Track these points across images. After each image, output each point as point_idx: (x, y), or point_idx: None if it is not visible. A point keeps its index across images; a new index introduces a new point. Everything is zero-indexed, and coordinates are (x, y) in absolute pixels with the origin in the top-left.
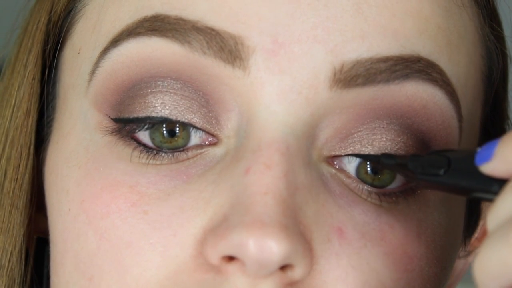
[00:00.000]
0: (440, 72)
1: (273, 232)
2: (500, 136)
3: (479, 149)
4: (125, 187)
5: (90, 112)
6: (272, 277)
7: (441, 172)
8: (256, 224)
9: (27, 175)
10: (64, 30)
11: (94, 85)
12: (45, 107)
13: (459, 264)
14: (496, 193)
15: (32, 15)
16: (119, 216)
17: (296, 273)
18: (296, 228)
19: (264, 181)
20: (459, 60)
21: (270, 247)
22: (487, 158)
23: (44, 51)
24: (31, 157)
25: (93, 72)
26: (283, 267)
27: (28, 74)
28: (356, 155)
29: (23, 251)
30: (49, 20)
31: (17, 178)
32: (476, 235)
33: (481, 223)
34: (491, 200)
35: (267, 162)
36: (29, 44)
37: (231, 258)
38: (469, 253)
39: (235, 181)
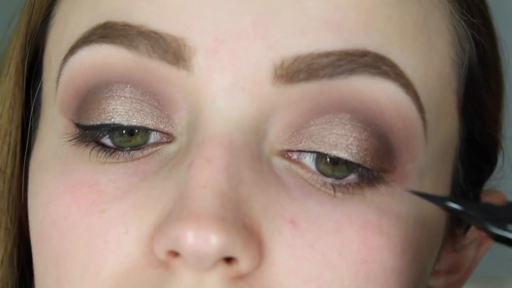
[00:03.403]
0: (391, 65)
1: (208, 225)
2: (479, 129)
3: None
4: (85, 187)
5: (58, 118)
6: (217, 269)
7: None
8: (191, 217)
9: (14, 182)
10: (42, 39)
11: (59, 92)
12: (32, 115)
13: (463, 259)
14: None
15: (17, 25)
16: (79, 216)
17: (241, 266)
18: (238, 220)
19: (203, 174)
20: (415, 49)
21: (205, 239)
22: None
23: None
24: (17, 163)
25: (57, 79)
26: (229, 260)
27: (9, 83)
28: (417, 194)
29: (14, 255)
30: (27, 30)
31: (3, 184)
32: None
33: None
34: None
35: (208, 155)
36: (11, 53)
37: (176, 253)
38: (463, 246)
39: (180, 176)
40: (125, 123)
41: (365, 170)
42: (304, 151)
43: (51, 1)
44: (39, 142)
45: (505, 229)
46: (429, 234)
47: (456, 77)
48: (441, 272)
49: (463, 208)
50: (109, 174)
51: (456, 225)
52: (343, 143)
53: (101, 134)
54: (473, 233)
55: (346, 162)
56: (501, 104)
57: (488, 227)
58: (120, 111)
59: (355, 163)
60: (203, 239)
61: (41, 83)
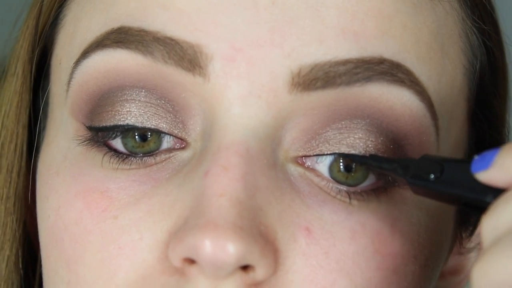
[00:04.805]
0: (407, 72)
1: (226, 234)
2: (487, 134)
3: (476, 157)
4: (96, 193)
5: (69, 121)
6: (233, 277)
7: (432, 177)
8: (210, 226)
9: (21, 182)
10: (50, 40)
11: (70, 95)
12: (40, 115)
13: (467, 260)
14: (489, 203)
15: (23, 24)
16: (91, 221)
17: (258, 273)
18: (254, 229)
19: (221, 183)
20: (430, 57)
21: (223, 248)
22: (485, 166)
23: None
24: (23, 164)
25: (68, 82)
26: (246, 268)
27: (16, 83)
28: (344, 155)
29: (19, 255)
30: (36, 30)
31: (9, 184)
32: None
33: None
34: (482, 210)
35: (225, 164)
36: (18, 53)
37: (192, 261)
38: (468, 249)
39: (196, 184)
40: (139, 125)
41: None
42: (322, 155)
43: (61, 2)
44: (47, 143)
45: (419, 178)
46: (439, 240)
47: (468, 84)
48: (446, 274)
49: (383, 164)
50: (119, 182)
51: (463, 229)
52: (361, 145)
53: (114, 135)
54: (478, 236)
55: (361, 167)
56: (507, 109)
57: (407, 179)
58: (134, 113)
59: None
60: (221, 248)
61: (49, 84)
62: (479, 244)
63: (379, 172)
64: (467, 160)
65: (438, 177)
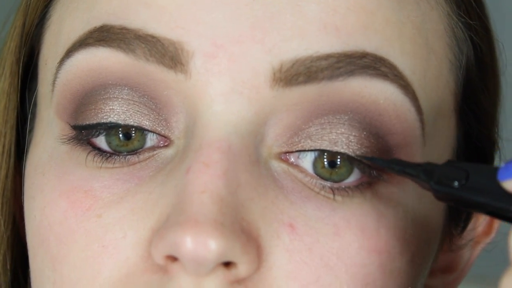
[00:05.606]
0: (390, 66)
1: (206, 230)
2: (476, 130)
3: (503, 165)
4: (80, 192)
5: (55, 121)
6: (215, 274)
7: (456, 184)
8: (190, 223)
9: (9, 184)
10: (37, 40)
11: (55, 95)
12: (29, 116)
13: (459, 258)
14: None
15: (11, 25)
16: (75, 220)
17: (240, 270)
18: (236, 225)
19: (202, 179)
20: (414, 52)
21: (204, 245)
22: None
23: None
24: (11, 165)
25: (53, 82)
26: (228, 264)
27: (4, 83)
28: (366, 158)
29: (8, 256)
30: (22, 31)
31: None
32: (472, 226)
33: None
34: (507, 219)
35: (206, 160)
36: (6, 54)
37: (175, 258)
38: (459, 246)
39: (178, 181)
40: (122, 122)
41: (365, 168)
42: (304, 151)
43: (46, 3)
44: (34, 144)
45: (443, 185)
46: (426, 236)
47: (454, 79)
48: (437, 272)
49: (406, 169)
50: (103, 180)
51: (453, 226)
52: (344, 140)
53: (97, 133)
54: (469, 233)
55: (345, 163)
56: (498, 105)
57: (431, 185)
58: (117, 111)
59: (356, 160)
60: (202, 244)
61: (37, 85)
62: (470, 241)
63: (402, 176)
64: (493, 167)
65: (463, 184)
